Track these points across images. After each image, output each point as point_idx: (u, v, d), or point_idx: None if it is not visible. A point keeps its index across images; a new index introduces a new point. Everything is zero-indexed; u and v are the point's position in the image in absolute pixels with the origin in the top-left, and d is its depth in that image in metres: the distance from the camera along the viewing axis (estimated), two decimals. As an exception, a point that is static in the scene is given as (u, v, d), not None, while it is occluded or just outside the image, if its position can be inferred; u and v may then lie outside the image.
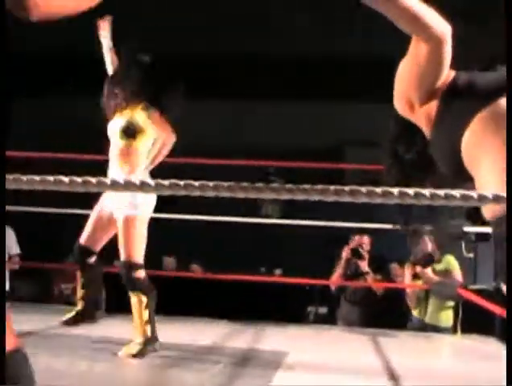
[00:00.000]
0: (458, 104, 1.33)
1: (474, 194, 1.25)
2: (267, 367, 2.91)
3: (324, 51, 6.82)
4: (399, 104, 1.40)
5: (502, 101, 1.28)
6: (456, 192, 1.26)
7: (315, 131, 7.54)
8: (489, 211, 1.32)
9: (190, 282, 5.81)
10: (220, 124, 7.66)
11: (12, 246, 5.22)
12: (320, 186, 1.26)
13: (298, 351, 3.30)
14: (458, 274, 4.28)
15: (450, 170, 1.38)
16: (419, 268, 4.27)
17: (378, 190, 1.26)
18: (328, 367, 3.02)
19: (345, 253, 4.62)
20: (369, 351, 3.46)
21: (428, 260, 4.24)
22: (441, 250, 4.38)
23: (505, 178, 1.27)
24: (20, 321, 3.66)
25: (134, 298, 3.06)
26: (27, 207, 4.87)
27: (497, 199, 1.23)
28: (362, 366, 3.07)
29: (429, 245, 4.32)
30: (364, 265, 4.57)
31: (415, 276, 4.35)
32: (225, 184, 1.27)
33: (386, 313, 4.45)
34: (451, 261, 4.31)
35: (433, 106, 1.37)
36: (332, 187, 1.26)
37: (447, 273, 4.28)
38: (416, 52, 1.32)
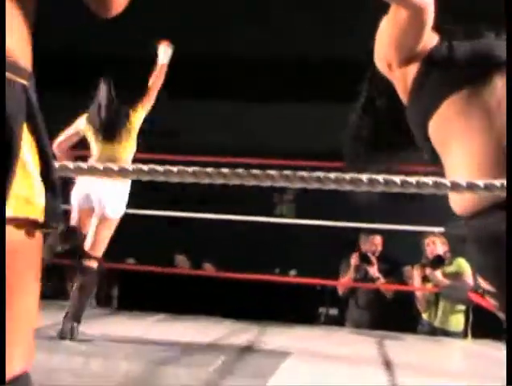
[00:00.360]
0: (434, 78, 1.27)
1: (447, 182, 1.20)
2: (266, 367, 2.87)
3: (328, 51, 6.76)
4: (379, 63, 1.35)
5: (477, 88, 1.22)
6: (429, 179, 1.21)
7: (319, 133, 7.48)
8: (459, 205, 1.26)
9: (202, 281, 5.79)
10: (221, 124, 7.66)
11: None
12: (286, 172, 1.22)
13: (300, 352, 3.25)
14: (469, 277, 4.17)
15: (420, 142, 1.32)
16: (428, 271, 4.18)
17: (347, 176, 1.21)
18: (328, 367, 2.97)
19: (354, 260, 4.53)
20: (373, 353, 3.40)
21: (438, 262, 4.15)
22: (453, 253, 4.29)
23: (474, 170, 1.21)
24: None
25: None
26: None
27: (470, 186, 1.17)
28: (363, 367, 3.01)
29: (439, 247, 4.23)
30: (374, 271, 4.48)
31: (425, 278, 4.26)
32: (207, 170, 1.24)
33: (396, 316, 4.36)
34: (462, 264, 4.20)
35: (410, 71, 1.30)
36: (299, 173, 1.22)
37: (457, 275, 4.18)
38: (395, 15, 1.26)
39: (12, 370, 0.82)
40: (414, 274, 4.35)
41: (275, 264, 7.10)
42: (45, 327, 3.45)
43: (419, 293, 4.35)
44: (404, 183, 1.20)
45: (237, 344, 3.42)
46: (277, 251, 7.37)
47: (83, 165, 1.19)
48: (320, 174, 1.21)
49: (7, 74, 0.76)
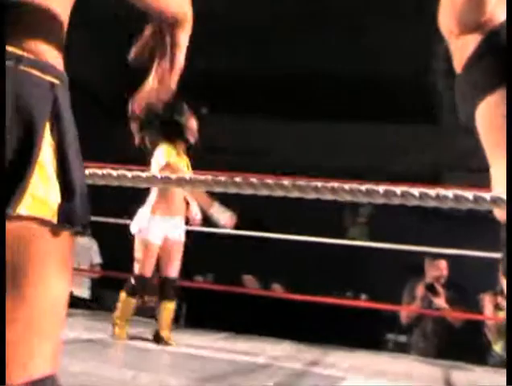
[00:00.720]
0: (489, 60, 1.16)
1: (470, 195, 1.13)
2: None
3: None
4: (442, 29, 1.26)
5: None
6: (449, 192, 1.14)
7: (413, 155, 7.34)
8: (502, 213, 1.16)
9: (269, 302, 5.76)
10: (310, 144, 7.66)
11: (94, 256, 5.40)
12: (300, 182, 1.18)
13: (356, 377, 3.15)
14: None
15: (463, 119, 1.21)
16: (500, 299, 3.96)
17: (363, 188, 1.16)
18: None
19: (420, 291, 4.35)
20: (436, 383, 3.24)
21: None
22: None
23: None
24: (95, 329, 3.77)
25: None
26: (111, 219, 5.01)
27: (494, 201, 1.10)
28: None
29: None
30: (441, 302, 4.28)
31: (498, 306, 4.03)
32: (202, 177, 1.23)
33: (465, 346, 4.15)
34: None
35: (470, 41, 1.20)
36: (316, 184, 1.18)
37: (532, 305, 3.92)
38: None
39: (31, 372, 0.79)
40: (486, 302, 4.12)
41: (348, 286, 6.97)
42: (102, 339, 3.53)
43: (490, 323, 4.12)
44: (423, 196, 1.14)
45: (294, 367, 3.35)
46: (350, 274, 7.24)
47: (113, 172, 1.20)
48: (335, 184, 1.16)
49: (34, 71, 0.77)
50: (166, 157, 3.61)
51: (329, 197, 1.17)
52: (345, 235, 7.22)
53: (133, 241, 4.15)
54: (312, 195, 1.17)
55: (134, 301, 3.81)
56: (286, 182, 1.15)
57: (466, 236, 5.27)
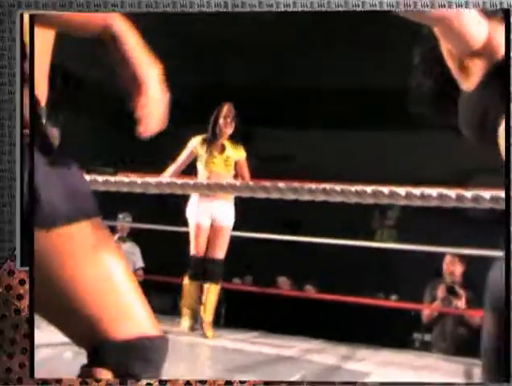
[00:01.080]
0: (495, 88, 1.18)
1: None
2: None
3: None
4: (443, 49, 1.25)
5: None
6: (434, 191, 1.21)
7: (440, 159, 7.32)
8: None
9: (302, 302, 5.84)
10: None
11: (137, 260, 5.58)
12: (295, 185, 1.27)
13: (379, 374, 3.21)
14: None
15: (472, 135, 1.24)
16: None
17: (352, 189, 1.25)
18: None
19: (441, 292, 4.39)
20: (455, 379, 3.29)
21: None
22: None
23: None
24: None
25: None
26: (154, 225, 5.14)
27: (476, 199, 1.17)
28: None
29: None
30: (461, 304, 4.31)
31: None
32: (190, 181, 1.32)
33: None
34: None
35: (475, 62, 1.20)
36: (310, 186, 1.27)
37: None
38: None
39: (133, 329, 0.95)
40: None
41: (379, 288, 6.97)
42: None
43: (514, 321, 4.11)
44: (409, 195, 1.21)
45: (322, 361, 3.43)
46: (381, 276, 7.25)
47: (111, 178, 1.30)
48: (327, 185, 1.25)
49: None
50: (191, 144, 3.92)
51: (322, 198, 1.25)
52: (374, 237, 7.21)
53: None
54: (307, 197, 1.26)
55: (197, 285, 3.93)
56: (281, 185, 1.24)
57: (496, 238, 5.24)
